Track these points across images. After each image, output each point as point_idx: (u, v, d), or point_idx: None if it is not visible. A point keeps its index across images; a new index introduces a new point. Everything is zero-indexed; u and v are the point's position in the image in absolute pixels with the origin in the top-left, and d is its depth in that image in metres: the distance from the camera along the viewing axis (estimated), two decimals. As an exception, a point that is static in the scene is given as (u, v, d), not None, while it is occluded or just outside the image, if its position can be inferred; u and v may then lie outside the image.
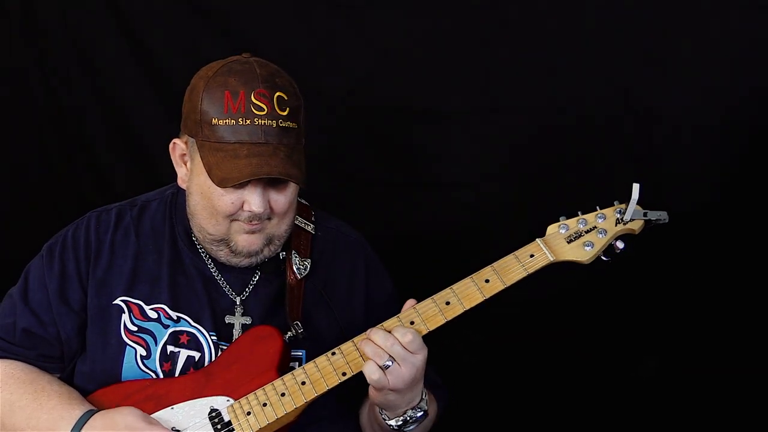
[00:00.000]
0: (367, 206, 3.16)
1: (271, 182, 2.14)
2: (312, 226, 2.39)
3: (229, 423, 2.12)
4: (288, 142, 2.11)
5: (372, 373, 2.05)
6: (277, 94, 2.10)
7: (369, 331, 2.10)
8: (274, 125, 2.09)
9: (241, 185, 2.09)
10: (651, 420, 3.12)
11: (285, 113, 2.10)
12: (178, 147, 2.23)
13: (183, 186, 2.26)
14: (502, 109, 3.06)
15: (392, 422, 2.17)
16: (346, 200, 3.12)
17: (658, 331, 3.10)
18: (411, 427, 2.19)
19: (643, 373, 3.12)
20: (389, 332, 2.07)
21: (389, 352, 2.04)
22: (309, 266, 2.32)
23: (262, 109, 2.08)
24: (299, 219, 2.35)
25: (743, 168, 2.98)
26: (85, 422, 2.10)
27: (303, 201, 2.38)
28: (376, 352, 2.05)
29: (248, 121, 2.07)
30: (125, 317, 2.24)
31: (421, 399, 2.17)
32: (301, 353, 2.26)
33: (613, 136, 3.02)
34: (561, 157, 3.02)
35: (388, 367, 2.04)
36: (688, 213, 2.67)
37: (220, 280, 2.29)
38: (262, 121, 2.07)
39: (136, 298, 2.25)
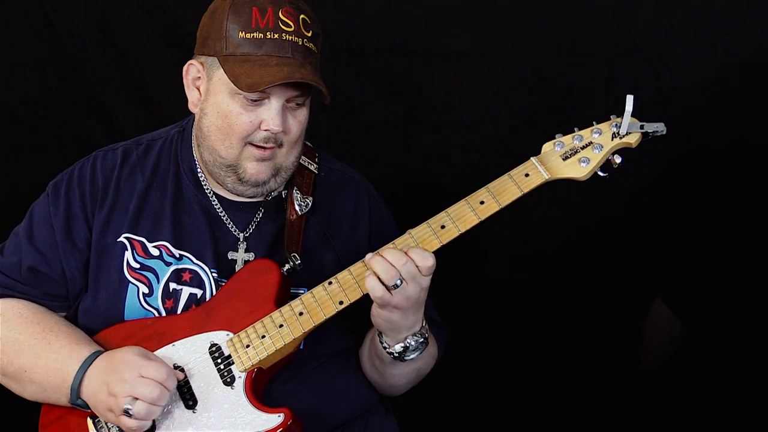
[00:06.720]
0: (369, 148, 3.13)
1: (289, 102, 2.14)
2: (315, 165, 2.38)
3: (229, 356, 2.12)
4: (312, 62, 2.14)
5: (375, 290, 2.00)
6: (302, 15, 2.14)
7: (383, 249, 2.05)
8: (300, 43, 2.12)
9: (259, 103, 2.11)
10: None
11: (309, 35, 2.14)
12: (192, 69, 2.23)
13: (194, 110, 2.25)
14: (506, 49, 3.01)
15: (393, 349, 2.14)
16: (349, 142, 3.09)
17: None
18: (412, 356, 2.15)
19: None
20: (401, 251, 2.01)
21: (401, 270, 1.98)
22: (310, 203, 2.30)
23: (289, 26, 2.11)
24: (303, 158, 2.34)
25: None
26: (92, 362, 2.11)
27: (307, 143, 2.37)
28: (387, 272, 1.99)
29: (276, 36, 2.09)
30: (128, 254, 2.24)
31: (422, 326, 2.14)
32: (302, 291, 2.22)
33: (619, 77, 2.94)
34: (565, 99, 2.96)
35: (397, 287, 1.99)
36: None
37: (224, 217, 2.29)
38: (290, 37, 2.10)
39: (139, 235, 2.25)
